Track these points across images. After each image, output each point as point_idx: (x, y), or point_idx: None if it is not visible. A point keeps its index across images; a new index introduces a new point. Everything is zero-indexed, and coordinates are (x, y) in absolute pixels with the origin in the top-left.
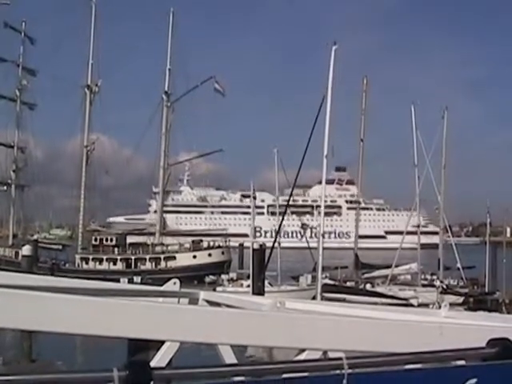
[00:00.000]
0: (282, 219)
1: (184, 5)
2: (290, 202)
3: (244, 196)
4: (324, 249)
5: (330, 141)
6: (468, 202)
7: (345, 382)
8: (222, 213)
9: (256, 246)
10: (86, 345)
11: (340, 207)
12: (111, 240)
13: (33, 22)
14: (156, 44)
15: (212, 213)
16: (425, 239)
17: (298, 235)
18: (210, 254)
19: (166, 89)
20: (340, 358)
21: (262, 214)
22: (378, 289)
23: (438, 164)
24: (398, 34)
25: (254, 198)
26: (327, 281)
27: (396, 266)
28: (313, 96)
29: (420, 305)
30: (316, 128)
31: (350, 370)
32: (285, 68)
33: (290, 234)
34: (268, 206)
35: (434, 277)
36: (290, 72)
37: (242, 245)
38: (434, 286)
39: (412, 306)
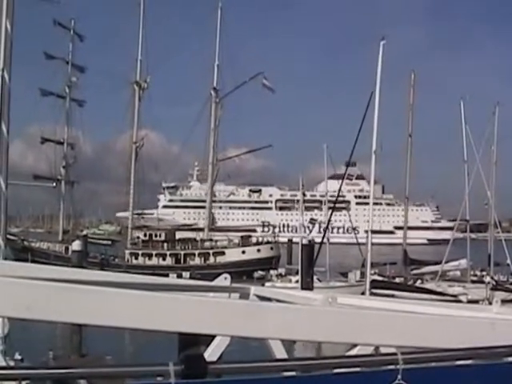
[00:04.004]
0: (331, 215)
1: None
2: (299, 197)
3: (252, 191)
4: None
5: (379, 136)
6: None
7: (399, 377)
8: (230, 208)
9: (305, 242)
10: (134, 339)
11: (349, 202)
12: (160, 235)
13: (82, 19)
14: (204, 40)
15: (220, 208)
16: (434, 235)
17: (307, 230)
18: (258, 250)
19: (215, 85)
20: (395, 353)
21: (270, 208)
22: (427, 285)
23: (487, 158)
24: (446, 27)
25: (304, 194)
26: (376, 277)
27: (446, 262)
28: (362, 90)
29: (469, 301)
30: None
31: (404, 366)
32: (333, 63)
33: (297, 229)
34: (276, 201)
35: (484, 273)
36: (339, 67)
37: (290, 240)
38: (483, 282)
39: (461, 302)
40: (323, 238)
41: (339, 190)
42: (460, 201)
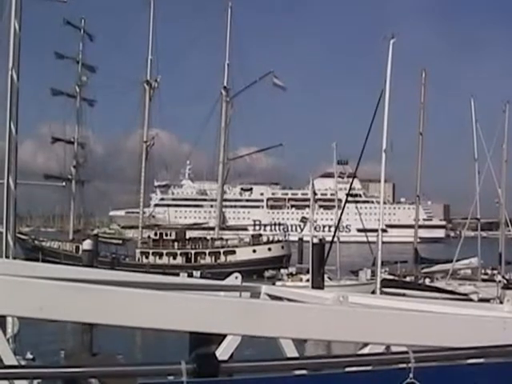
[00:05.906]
0: (342, 213)
1: None
2: (290, 196)
3: (243, 189)
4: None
5: (388, 135)
6: None
7: (411, 375)
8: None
9: (315, 241)
10: (145, 338)
11: (340, 200)
12: (171, 234)
13: (92, 19)
14: (214, 39)
15: (211, 206)
16: (426, 233)
17: (298, 229)
18: (269, 249)
19: (225, 84)
20: (406, 352)
21: (261, 207)
22: (438, 283)
23: (497, 157)
24: (457, 25)
25: (314, 193)
26: (386, 275)
27: (456, 261)
28: (372, 89)
29: (480, 300)
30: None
31: (415, 364)
32: (344, 61)
33: (289, 228)
34: (267, 200)
35: (495, 271)
36: (349, 65)
37: (301, 239)
38: (494, 280)
39: (472, 301)
40: (333, 236)
41: (350, 187)
42: (471, 199)
